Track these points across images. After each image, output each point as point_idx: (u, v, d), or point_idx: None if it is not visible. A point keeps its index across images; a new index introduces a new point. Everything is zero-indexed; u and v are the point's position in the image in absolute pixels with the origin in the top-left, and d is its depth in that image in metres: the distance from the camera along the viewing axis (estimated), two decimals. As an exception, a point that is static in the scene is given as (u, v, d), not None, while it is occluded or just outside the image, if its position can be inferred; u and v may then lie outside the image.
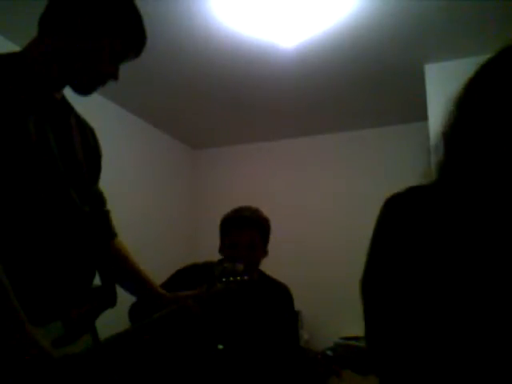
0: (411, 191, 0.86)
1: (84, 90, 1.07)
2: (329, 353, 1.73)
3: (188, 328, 1.17)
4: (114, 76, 1.09)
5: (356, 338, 3.09)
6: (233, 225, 1.71)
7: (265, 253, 1.78)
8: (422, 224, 0.79)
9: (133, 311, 1.59)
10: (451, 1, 2.24)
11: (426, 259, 0.77)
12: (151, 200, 3.61)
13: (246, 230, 1.69)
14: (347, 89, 3.15)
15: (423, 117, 2.86)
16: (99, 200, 1.26)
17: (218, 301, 1.18)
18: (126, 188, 3.26)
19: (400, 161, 3.49)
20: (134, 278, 1.29)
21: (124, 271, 1.28)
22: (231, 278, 1.19)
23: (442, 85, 2.65)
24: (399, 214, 0.83)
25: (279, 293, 1.87)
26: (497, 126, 0.80)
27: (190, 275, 1.71)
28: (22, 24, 2.31)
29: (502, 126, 0.79)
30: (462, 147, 0.83)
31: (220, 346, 1.56)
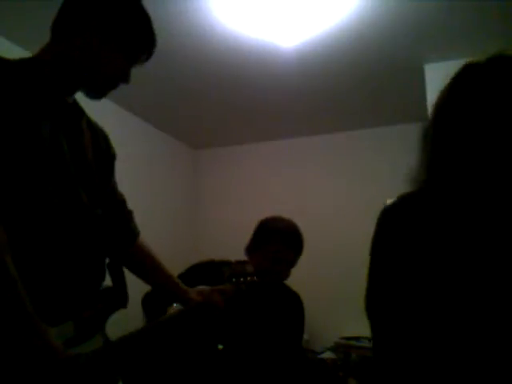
0: (403, 201, 0.86)
1: (96, 93, 1.09)
2: (334, 357, 1.74)
3: (211, 323, 1.20)
4: (126, 79, 1.11)
5: (356, 338, 3.09)
6: (286, 241, 1.75)
7: None
8: (418, 236, 0.80)
9: (146, 301, 1.61)
10: (451, 1, 2.24)
11: (427, 271, 0.77)
12: (151, 200, 3.61)
13: (294, 250, 1.77)
14: (347, 89, 3.15)
15: (423, 117, 2.85)
16: (119, 201, 1.29)
17: (241, 298, 1.21)
18: (127, 188, 3.24)
19: (399, 160, 3.48)
20: (159, 277, 1.32)
21: (149, 269, 1.31)
22: (241, 279, 1.21)
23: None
24: (395, 229, 0.83)
25: (289, 298, 1.89)
26: (478, 129, 0.82)
27: (205, 271, 1.73)
28: (25, 27, 2.32)
29: (484, 129, 0.81)
30: (446, 150, 0.85)
31: (220, 346, 1.56)
